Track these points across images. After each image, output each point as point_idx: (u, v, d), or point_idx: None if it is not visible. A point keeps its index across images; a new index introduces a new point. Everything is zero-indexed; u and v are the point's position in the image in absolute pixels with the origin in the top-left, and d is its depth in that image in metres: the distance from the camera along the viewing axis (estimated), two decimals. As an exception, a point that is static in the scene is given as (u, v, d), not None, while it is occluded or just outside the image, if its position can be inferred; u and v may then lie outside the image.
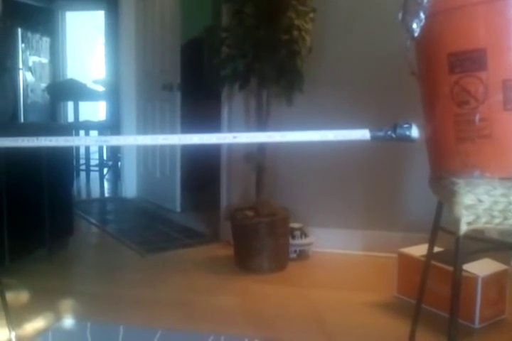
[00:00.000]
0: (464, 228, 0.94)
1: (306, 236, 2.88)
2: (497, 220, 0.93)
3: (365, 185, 2.94)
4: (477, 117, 1.01)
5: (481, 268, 2.05)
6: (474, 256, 2.05)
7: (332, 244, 2.94)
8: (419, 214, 2.75)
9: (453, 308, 1.06)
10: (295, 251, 2.84)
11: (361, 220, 2.95)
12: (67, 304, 2.26)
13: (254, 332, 1.96)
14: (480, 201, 0.93)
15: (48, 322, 2.03)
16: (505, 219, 0.93)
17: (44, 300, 2.26)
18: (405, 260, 2.28)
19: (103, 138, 1.14)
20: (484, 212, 0.93)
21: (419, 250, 2.23)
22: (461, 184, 0.98)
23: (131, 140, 1.16)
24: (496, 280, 2.07)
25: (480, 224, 0.93)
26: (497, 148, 1.01)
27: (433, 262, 1.80)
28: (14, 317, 1.88)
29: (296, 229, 2.86)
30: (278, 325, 2.07)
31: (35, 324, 2.00)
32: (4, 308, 1.78)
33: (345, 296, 2.34)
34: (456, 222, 0.95)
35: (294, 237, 2.84)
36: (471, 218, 0.93)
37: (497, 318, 2.08)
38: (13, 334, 1.77)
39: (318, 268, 2.77)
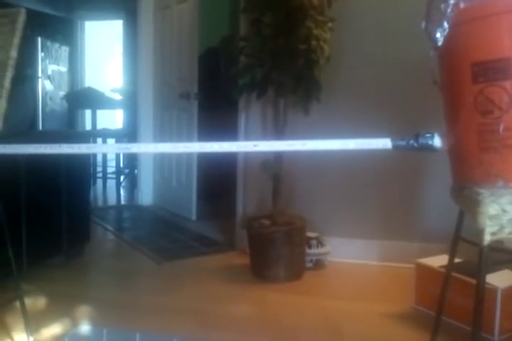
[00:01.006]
0: (488, 238, 0.93)
1: (322, 245, 2.87)
2: (522, 231, 0.92)
3: (382, 195, 2.92)
4: (501, 127, 1.01)
5: (501, 279, 2.02)
6: (494, 267, 2.03)
7: (349, 254, 2.92)
8: (437, 225, 2.73)
9: (476, 320, 1.05)
10: (311, 261, 2.82)
11: (378, 230, 2.93)
12: (83, 310, 2.27)
13: (270, 342, 1.95)
14: (504, 211, 0.92)
15: (65, 328, 2.04)
16: (530, 229, 0.92)
17: (61, 306, 2.28)
18: (423, 271, 2.26)
19: (124, 145, 1.15)
20: (509, 222, 0.92)
21: (437, 261, 2.20)
22: (485, 194, 0.97)
23: (152, 148, 1.17)
24: (516, 292, 2.04)
25: (504, 234, 0.92)
26: (522, 158, 1.00)
27: (453, 273, 1.78)
28: (32, 323, 1.90)
29: (313, 238, 2.85)
30: (294, 335, 2.06)
31: (53, 329, 2.01)
32: (23, 314, 1.79)
33: (362, 307, 2.32)
34: (480, 232, 0.94)
35: (310, 246, 2.83)
36: (495, 228, 0.92)
37: (517, 331, 2.05)
38: (31, 339, 1.78)
39: (335, 278, 2.75)
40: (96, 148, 1.34)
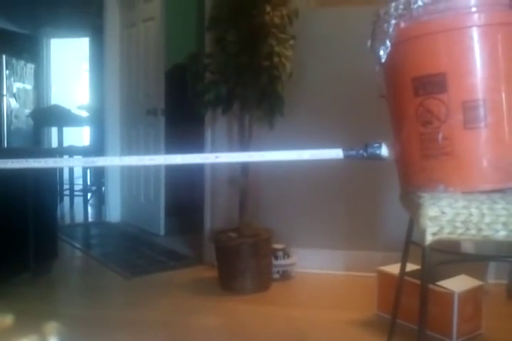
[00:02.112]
0: (429, 238, 1.00)
1: (288, 256, 2.93)
2: (459, 231, 1.00)
3: (345, 206, 3.01)
4: (440, 136, 1.09)
5: (458, 284, 2.11)
6: (448, 271, 2.12)
7: (314, 264, 2.99)
8: (397, 233, 2.79)
9: (421, 321, 1.12)
10: (278, 272, 2.88)
11: (342, 240, 3.00)
12: (51, 327, 2.27)
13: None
14: (443, 213, 1.00)
15: (33, 344, 2.04)
16: (467, 229, 0.99)
17: (29, 323, 2.27)
18: (384, 278, 2.33)
19: (90, 159, 1.20)
20: (447, 223, 1.00)
21: (398, 268, 2.28)
22: (425, 197, 1.05)
23: (117, 161, 1.21)
24: (472, 296, 2.12)
25: (444, 235, 1.00)
26: (458, 164, 1.09)
27: (408, 278, 1.86)
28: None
29: (279, 249, 2.91)
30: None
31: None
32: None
33: (328, 315, 2.38)
34: (422, 232, 1.02)
35: (276, 258, 2.88)
36: (435, 229, 1.00)
37: (474, 334, 2.13)
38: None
39: (301, 288, 2.81)
40: (62, 163, 1.37)
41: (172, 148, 4.02)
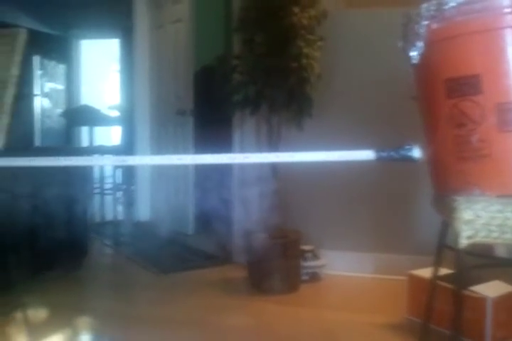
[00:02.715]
0: (463, 242, 0.98)
1: (317, 258, 2.91)
2: (494, 234, 0.98)
3: (375, 208, 2.98)
4: (475, 138, 1.07)
5: (491, 289, 2.07)
6: (482, 277, 2.07)
7: (344, 267, 2.96)
8: (429, 237, 2.75)
9: (456, 325, 1.10)
10: (307, 273, 2.86)
11: (372, 243, 2.97)
12: (83, 321, 2.31)
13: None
14: (478, 216, 0.98)
15: (64, 339, 2.07)
16: (502, 233, 0.97)
17: (61, 318, 2.31)
18: (415, 281, 2.30)
19: (121, 158, 1.21)
20: (482, 226, 0.98)
21: (429, 272, 2.24)
22: (460, 201, 1.03)
23: (147, 160, 1.22)
24: (506, 302, 2.08)
25: (478, 238, 0.98)
26: (496, 167, 1.06)
27: (441, 283, 1.83)
28: (33, 334, 1.93)
29: (308, 251, 2.89)
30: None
31: (54, 340, 2.05)
32: (25, 324, 1.83)
33: (357, 318, 2.36)
34: (456, 236, 1.00)
35: (305, 259, 2.87)
36: (470, 232, 0.98)
37: (507, 340, 2.08)
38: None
39: (330, 290, 2.79)
40: (93, 161, 1.39)
41: (200, 148, 4.04)
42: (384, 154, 1.04)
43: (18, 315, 1.99)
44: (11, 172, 2.25)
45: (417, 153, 1.02)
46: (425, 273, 2.27)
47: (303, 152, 1.16)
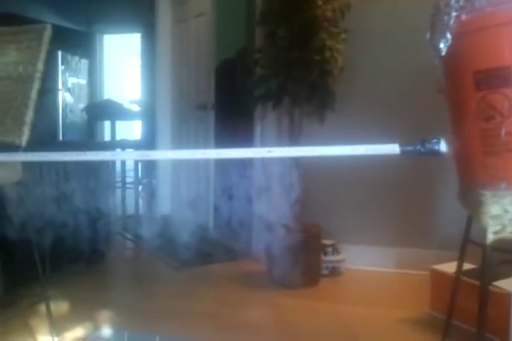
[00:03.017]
0: (491, 237, 0.97)
1: (338, 252, 2.90)
2: (523, 230, 0.96)
3: (397, 202, 2.95)
4: (503, 132, 1.05)
5: (515, 285, 2.04)
6: (507, 272, 2.04)
7: (364, 261, 2.95)
8: (452, 232, 2.73)
9: (480, 321, 1.08)
10: (327, 268, 2.86)
11: (393, 237, 2.95)
12: (105, 314, 2.34)
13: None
14: (506, 211, 0.96)
15: (87, 331, 2.10)
16: (531, 228, 0.96)
17: (83, 310, 2.34)
18: (438, 277, 2.28)
19: (144, 152, 1.22)
20: (510, 221, 0.96)
21: (452, 267, 2.22)
22: (487, 195, 1.01)
23: (170, 154, 1.23)
24: (530, 298, 2.05)
25: (506, 233, 0.96)
26: (524, 161, 1.04)
27: (465, 278, 1.81)
28: (56, 326, 1.96)
29: (329, 245, 2.89)
30: (310, 339, 2.09)
31: (76, 332, 2.08)
32: (48, 316, 1.86)
33: (378, 312, 2.35)
34: (483, 231, 0.99)
35: (326, 254, 2.86)
36: (497, 227, 0.97)
37: (532, 336, 2.05)
38: (56, 340, 1.84)
39: (351, 285, 2.78)
40: (118, 156, 1.40)
41: (221, 142, 4.04)
42: (410, 148, 1.03)
43: (42, 307, 2.02)
44: (37, 167, 2.28)
45: (443, 146, 1.01)
46: (448, 268, 2.25)
47: (326, 146, 1.15)
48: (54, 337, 1.87)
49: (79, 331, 2.10)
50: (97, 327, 2.15)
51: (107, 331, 2.13)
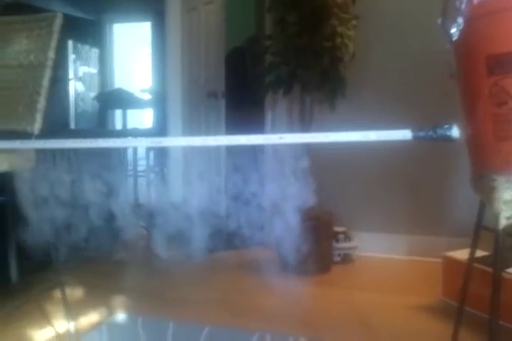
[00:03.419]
0: (503, 222, 0.96)
1: (350, 240, 2.91)
2: (536, 215, 0.96)
3: (409, 189, 2.95)
4: (516, 117, 1.04)
5: (528, 271, 2.03)
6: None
7: (376, 249, 2.96)
8: (465, 219, 2.72)
9: (493, 307, 1.08)
10: (339, 255, 2.87)
11: (405, 225, 2.95)
12: (119, 301, 2.36)
13: (300, 331, 2.00)
14: (519, 197, 0.96)
15: (101, 317, 2.13)
16: (544, 214, 0.95)
17: (98, 297, 2.37)
18: (451, 263, 2.28)
19: (156, 139, 1.22)
20: (523, 207, 0.96)
21: (464, 254, 2.22)
22: (500, 180, 1.01)
23: (183, 141, 1.23)
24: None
25: (519, 219, 0.96)
26: (536, 146, 1.03)
27: (477, 265, 1.81)
28: (71, 311, 1.99)
29: (340, 232, 2.89)
30: (323, 325, 2.11)
31: (91, 317, 2.11)
32: (63, 302, 1.89)
33: (390, 299, 2.35)
34: (496, 217, 0.98)
35: (337, 241, 2.87)
36: (510, 213, 0.96)
37: (545, 323, 2.05)
38: (71, 325, 1.87)
39: (363, 272, 2.79)
40: (130, 143, 1.41)
41: (232, 130, 4.04)
42: (422, 134, 1.02)
43: (57, 292, 2.05)
44: (50, 154, 2.30)
45: (455, 132, 1.00)
46: (461, 254, 2.25)
47: (338, 132, 1.15)
48: (69, 322, 1.90)
49: (93, 316, 2.13)
50: (111, 313, 2.18)
51: (121, 316, 2.16)
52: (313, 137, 1.09)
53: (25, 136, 1.63)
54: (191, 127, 4.51)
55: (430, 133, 1.02)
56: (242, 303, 2.31)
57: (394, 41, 2.87)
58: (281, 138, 1.12)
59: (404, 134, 1.03)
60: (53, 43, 1.69)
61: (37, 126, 1.67)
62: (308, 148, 2.69)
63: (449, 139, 1.01)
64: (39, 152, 1.85)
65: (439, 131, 1.02)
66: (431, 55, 2.39)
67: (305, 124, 2.72)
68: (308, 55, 2.55)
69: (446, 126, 1.02)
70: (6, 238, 2.32)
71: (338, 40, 2.51)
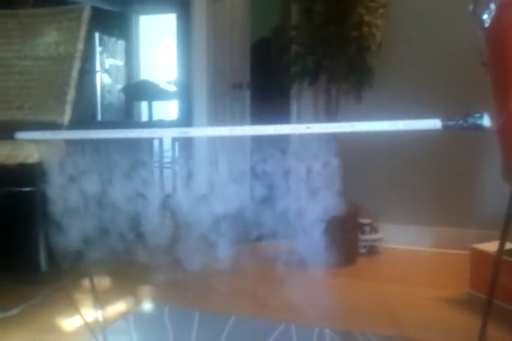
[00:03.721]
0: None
1: (376, 231, 2.89)
2: None
3: (436, 180, 2.91)
4: (550, 105, 1.01)
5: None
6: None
7: (403, 240, 2.93)
8: (494, 210, 2.68)
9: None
10: (365, 247, 2.85)
11: (432, 216, 2.92)
12: (146, 290, 2.40)
13: (325, 323, 2.00)
14: (552, 187, 0.94)
15: (128, 306, 2.16)
16: None
17: (125, 287, 2.41)
18: (479, 256, 2.25)
19: (184, 129, 1.23)
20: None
21: (493, 246, 2.19)
22: (532, 170, 0.99)
23: (209, 131, 1.24)
24: None
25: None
26: None
27: (506, 257, 1.78)
28: (99, 300, 2.03)
29: (366, 224, 2.88)
30: (348, 317, 2.10)
31: (119, 306, 2.15)
32: (92, 292, 1.92)
33: (416, 291, 2.34)
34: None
35: (363, 232, 2.85)
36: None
37: None
38: (99, 314, 1.91)
39: (389, 264, 2.77)
40: (157, 133, 1.42)
41: (257, 121, 4.04)
42: (451, 123, 1.01)
43: (86, 282, 2.08)
44: (80, 146, 2.33)
45: (486, 121, 0.98)
46: (489, 247, 2.22)
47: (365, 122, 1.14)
48: (97, 311, 1.93)
49: (121, 305, 2.17)
50: (138, 302, 2.21)
51: (148, 306, 2.19)
52: (340, 127, 1.08)
53: (55, 127, 1.66)
54: (216, 118, 4.52)
55: (460, 122, 1.00)
56: (268, 294, 2.32)
57: (422, 29, 2.82)
58: (308, 127, 1.11)
59: (433, 124, 1.02)
60: (82, 35, 1.71)
61: (66, 118, 1.69)
62: (336, 139, 2.67)
63: (480, 128, 0.99)
64: (68, 143, 1.88)
65: (470, 120, 1.00)
66: (461, 42, 2.36)
67: (331, 115, 2.70)
68: (335, 44, 2.53)
69: (477, 115, 1.01)
70: (36, 228, 2.37)
71: (365, 29, 2.48)
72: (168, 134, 1.27)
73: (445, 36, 2.75)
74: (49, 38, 1.77)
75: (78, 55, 1.64)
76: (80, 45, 1.66)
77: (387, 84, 2.80)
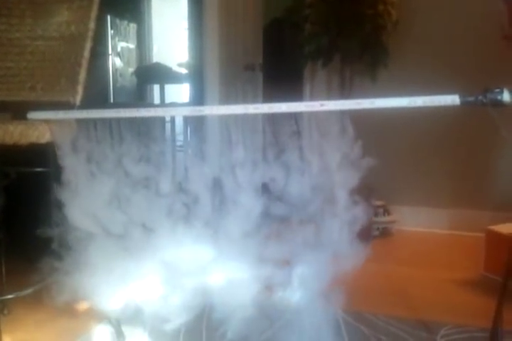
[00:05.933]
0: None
1: (389, 213, 2.88)
2: None
3: (450, 162, 2.88)
4: None
5: None
6: None
7: (416, 223, 2.91)
8: (509, 192, 2.66)
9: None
10: (378, 229, 2.84)
11: (446, 198, 2.89)
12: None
13: (338, 305, 1.99)
14: None
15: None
16: None
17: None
18: (494, 237, 2.23)
19: (197, 108, 1.22)
20: None
21: (508, 228, 2.17)
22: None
23: (223, 109, 1.22)
24: None
25: None
26: None
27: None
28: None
29: (379, 206, 2.86)
30: (362, 299, 2.10)
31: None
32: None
33: (430, 273, 2.32)
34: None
35: (376, 215, 2.84)
36: None
37: None
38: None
39: (402, 246, 2.76)
40: (171, 112, 1.42)
41: (270, 103, 4.01)
42: (471, 99, 0.99)
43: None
44: (92, 126, 2.32)
45: (507, 96, 0.96)
46: (504, 228, 2.20)
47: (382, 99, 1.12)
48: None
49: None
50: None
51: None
52: (357, 104, 1.06)
53: (68, 107, 1.65)
54: (228, 101, 4.49)
55: (480, 98, 0.98)
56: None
57: (439, 5, 2.75)
58: (322, 105, 1.10)
59: (452, 99, 1.00)
60: (93, 14, 1.70)
61: (78, 98, 1.69)
62: (349, 119, 2.65)
63: (500, 104, 0.96)
64: (80, 123, 1.87)
65: (489, 96, 0.98)
66: (479, 15, 2.30)
67: (345, 96, 2.67)
68: (350, 23, 2.49)
69: (496, 91, 0.98)
70: (48, 209, 2.38)
71: (381, 7, 2.44)
72: (181, 113, 1.26)
73: (464, 10, 2.67)
74: (61, 18, 1.76)
75: (90, 34, 1.63)
76: (92, 25, 1.65)
77: (403, 64, 2.75)
